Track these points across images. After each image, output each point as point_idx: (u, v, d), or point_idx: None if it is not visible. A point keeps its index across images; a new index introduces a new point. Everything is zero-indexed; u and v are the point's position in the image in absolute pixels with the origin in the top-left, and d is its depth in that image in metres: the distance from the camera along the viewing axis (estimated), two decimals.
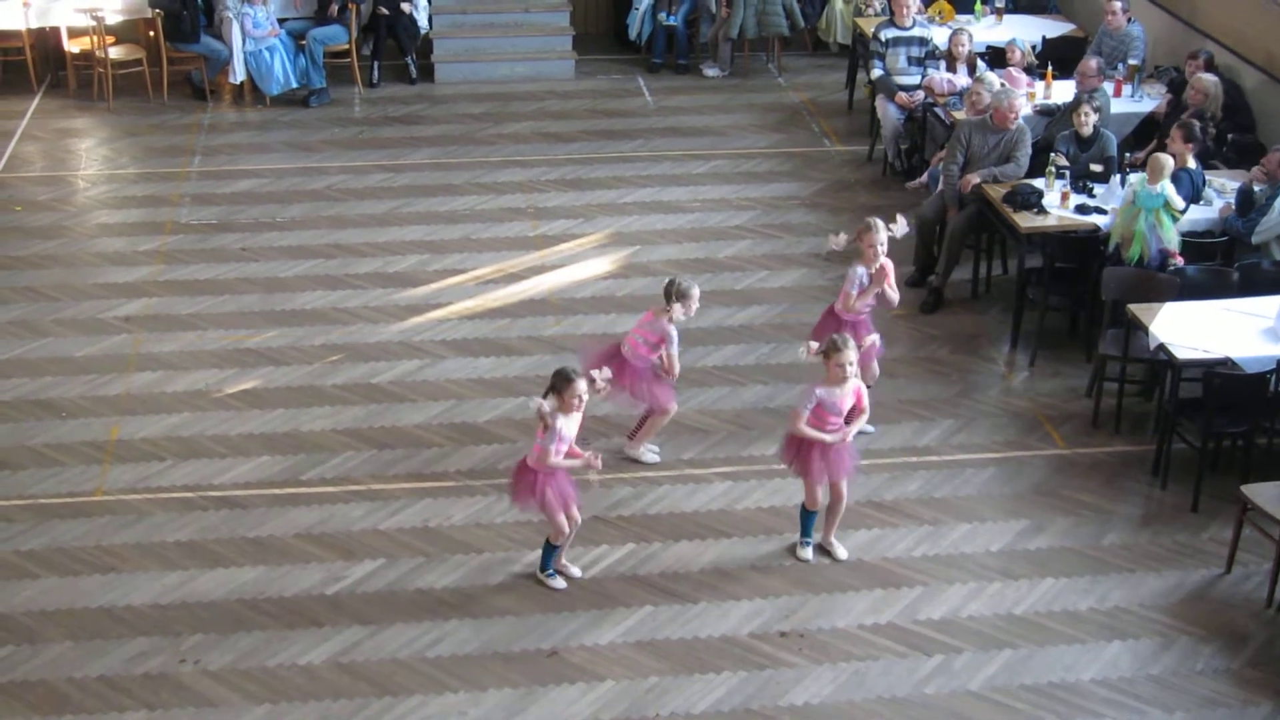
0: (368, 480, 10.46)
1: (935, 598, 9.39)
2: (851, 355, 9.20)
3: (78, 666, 8.72)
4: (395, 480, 10.44)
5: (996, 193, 12.37)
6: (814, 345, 9.38)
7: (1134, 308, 10.72)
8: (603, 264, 13.48)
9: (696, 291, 10.19)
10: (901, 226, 10.61)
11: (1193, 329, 10.41)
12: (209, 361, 11.87)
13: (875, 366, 10.89)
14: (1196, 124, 12.21)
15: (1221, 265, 11.46)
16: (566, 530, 9.28)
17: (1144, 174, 11.35)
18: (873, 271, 10.53)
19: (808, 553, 9.75)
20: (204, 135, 16.41)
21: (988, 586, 9.49)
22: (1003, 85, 13.28)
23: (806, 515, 9.71)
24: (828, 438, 9.33)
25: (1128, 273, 11.27)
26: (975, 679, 8.71)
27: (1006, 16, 16.70)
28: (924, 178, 13.99)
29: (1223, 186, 12.17)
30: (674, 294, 10.10)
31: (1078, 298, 12.17)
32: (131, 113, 16.99)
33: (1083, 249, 11.93)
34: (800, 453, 9.46)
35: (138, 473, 10.51)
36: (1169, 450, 10.49)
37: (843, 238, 10.70)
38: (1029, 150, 12.64)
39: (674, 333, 10.22)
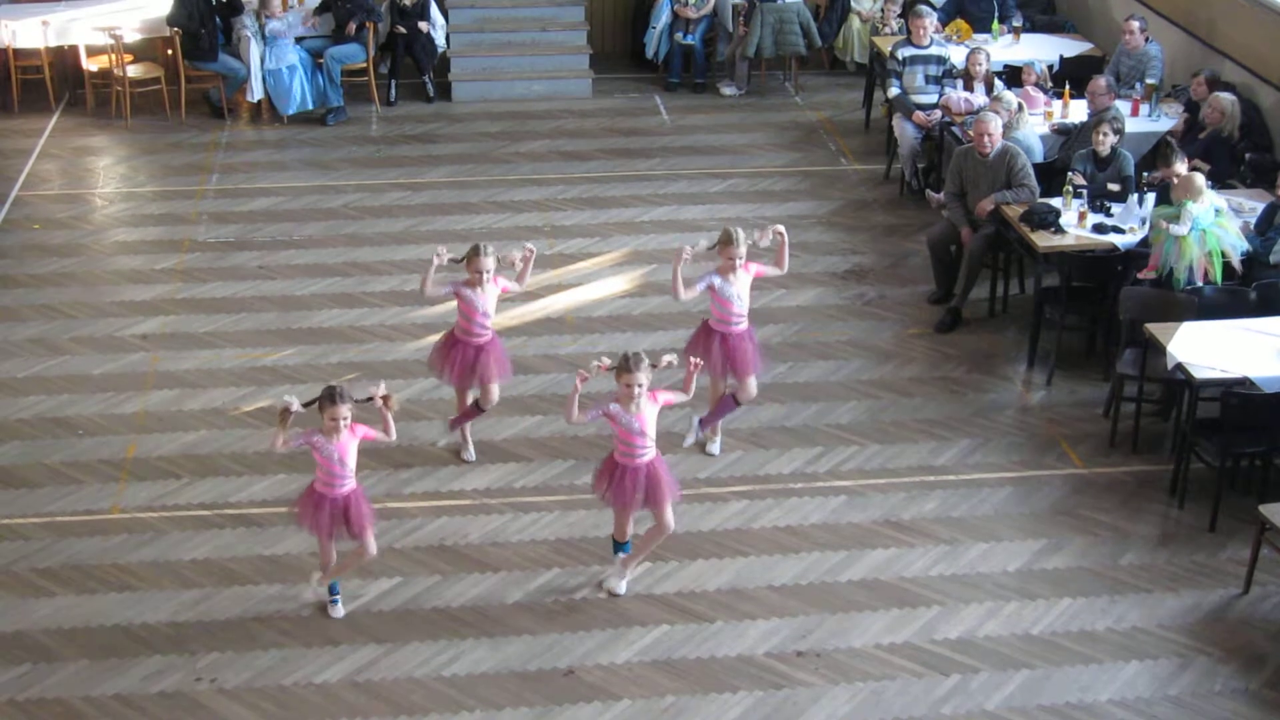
0: (384, 498, 10.45)
1: (952, 617, 9.37)
2: (641, 377, 9.01)
3: (94, 684, 8.72)
4: (411, 499, 10.45)
5: (1014, 212, 12.36)
6: (606, 361, 9.21)
7: (1151, 327, 10.69)
8: (619, 282, 13.49)
9: (482, 250, 10.42)
10: (768, 237, 10.59)
11: (1210, 348, 10.38)
12: (226, 379, 11.89)
13: (750, 384, 10.72)
14: (1166, 145, 12.29)
15: (1239, 284, 11.42)
16: (327, 558, 9.23)
17: (1186, 201, 11.20)
18: (729, 279, 10.48)
19: (621, 585, 9.60)
20: (221, 153, 16.46)
21: (1005, 606, 9.47)
22: (980, 110, 13.30)
23: (617, 547, 9.62)
24: (636, 459, 9.23)
25: (1146, 292, 11.24)
26: (992, 699, 8.69)
27: (1024, 36, 16.70)
28: (942, 195, 13.99)
29: (1240, 206, 12.15)
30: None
31: (1095, 317, 12.16)
32: (149, 131, 17.05)
33: (1100, 268, 11.91)
34: (612, 481, 9.32)
35: (154, 491, 10.53)
36: (1187, 470, 10.46)
37: (702, 245, 10.63)
38: (1029, 170, 12.59)
39: (469, 293, 10.44)
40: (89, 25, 17.13)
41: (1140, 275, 11.48)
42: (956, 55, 15.48)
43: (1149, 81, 14.61)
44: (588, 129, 17.29)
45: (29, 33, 17.12)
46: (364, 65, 17.59)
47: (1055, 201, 12.35)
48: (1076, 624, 9.32)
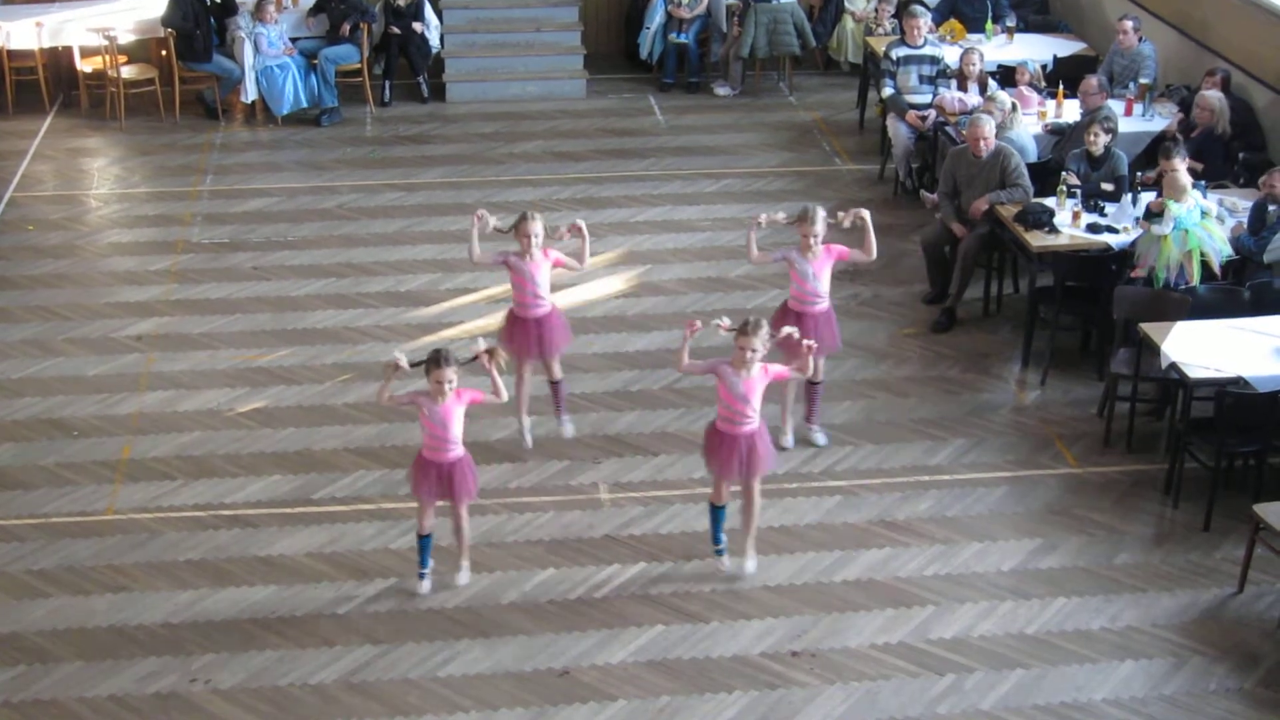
0: (379, 499, 10.46)
1: (947, 617, 9.37)
2: (757, 343, 9.10)
3: (89, 686, 8.72)
4: (406, 499, 10.39)
5: (1008, 212, 12.36)
6: (727, 321, 9.29)
7: (1146, 327, 10.71)
8: (614, 283, 13.49)
9: (529, 215, 10.54)
10: (849, 219, 10.60)
11: (1204, 348, 10.39)
12: (220, 381, 11.89)
13: (812, 362, 10.13)
14: (1173, 139, 12.29)
15: (1233, 284, 11.44)
16: (423, 523, 9.32)
17: (1169, 201, 11.24)
18: (808, 257, 10.56)
19: (725, 561, 9.67)
20: (216, 154, 16.45)
21: (999, 606, 9.47)
22: (973, 112, 13.30)
23: (715, 511, 9.62)
24: (738, 427, 9.29)
25: (1139, 291, 11.26)
26: (987, 699, 8.69)
27: (1017, 36, 16.71)
28: (936, 195, 14.00)
29: (1234, 205, 12.16)
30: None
31: (1089, 316, 12.16)
32: (143, 132, 17.04)
33: (1094, 268, 11.92)
34: (716, 448, 9.39)
35: (149, 492, 10.53)
36: (1181, 469, 10.47)
37: (780, 216, 10.74)
38: (1023, 170, 12.58)
39: (518, 263, 10.58)
40: (83, 26, 17.12)
41: (1132, 275, 11.49)
42: (950, 55, 15.49)
43: (1142, 81, 14.63)
44: (582, 129, 17.29)
45: (23, 34, 17.11)
46: (358, 66, 17.59)
47: (1049, 201, 12.36)
48: (1071, 623, 9.32)
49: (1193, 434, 10.40)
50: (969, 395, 11.86)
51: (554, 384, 11.00)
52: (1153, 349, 10.53)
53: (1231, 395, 10.02)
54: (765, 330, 9.16)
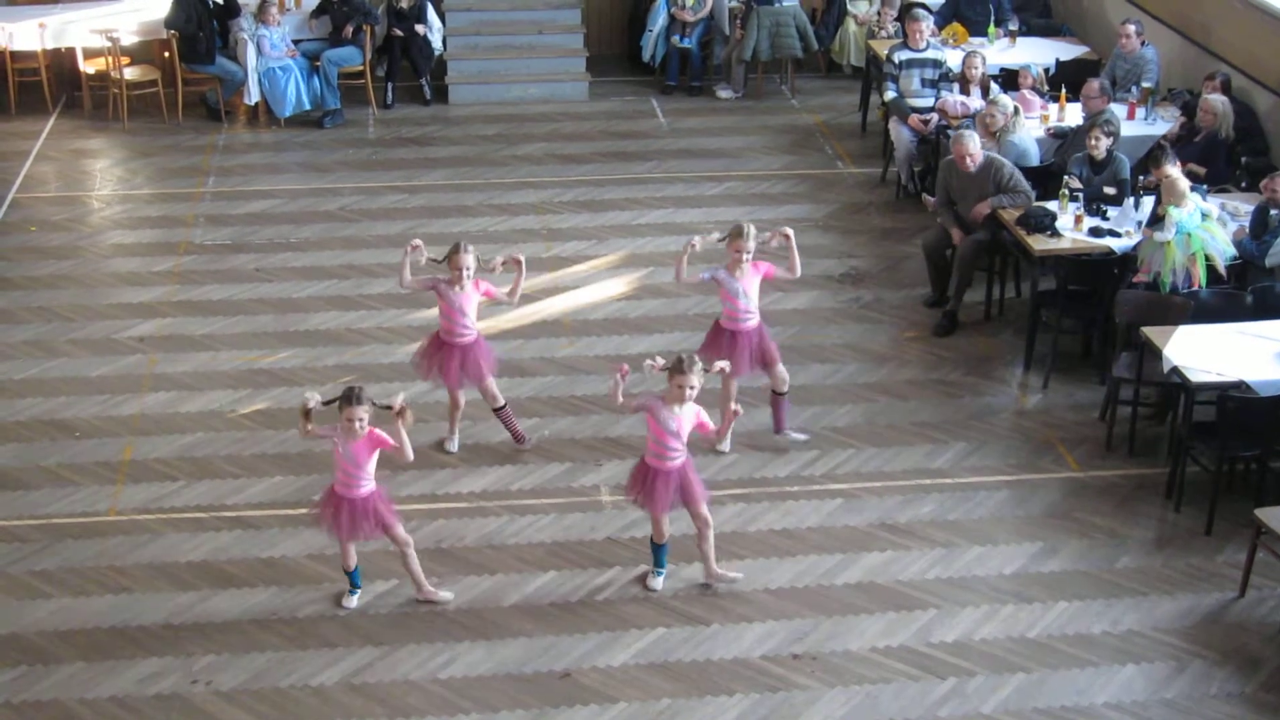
0: None
1: (948, 620, 9.37)
2: (694, 379, 9.05)
3: (90, 687, 8.72)
4: (408, 501, 10.42)
5: (1010, 215, 12.35)
6: (660, 361, 9.26)
7: (1147, 331, 10.70)
8: (616, 285, 13.50)
9: (462, 247, 10.49)
10: (776, 239, 10.65)
11: (1206, 352, 10.39)
12: (223, 382, 11.89)
13: (780, 371, 10.77)
14: (1159, 148, 12.28)
15: (1235, 288, 11.43)
16: (347, 559, 9.32)
17: (1170, 207, 11.23)
18: (736, 274, 10.56)
19: (658, 582, 9.65)
20: (218, 156, 16.46)
21: (1001, 609, 9.47)
22: (975, 116, 13.29)
23: (657, 549, 9.62)
24: (668, 462, 9.24)
25: (1141, 295, 11.25)
26: (988, 702, 8.69)
27: (1020, 39, 16.73)
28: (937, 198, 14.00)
29: (1236, 210, 12.16)
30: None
31: (1091, 320, 12.16)
32: (146, 133, 17.05)
33: (1096, 271, 11.92)
34: (646, 485, 9.32)
35: (151, 493, 10.53)
36: (1183, 473, 10.46)
37: (713, 236, 10.80)
38: (1018, 176, 12.53)
39: (448, 291, 10.54)
40: (86, 28, 17.14)
41: (1135, 279, 11.49)
42: (953, 59, 15.49)
43: (1145, 85, 14.63)
44: (584, 132, 17.29)
45: (26, 35, 17.13)
46: (361, 68, 17.60)
47: (1051, 205, 12.36)
48: (1072, 627, 9.32)
49: (1194, 438, 10.39)
50: (971, 399, 11.85)
51: (497, 410, 10.97)
52: (1155, 353, 10.53)
53: (1233, 399, 10.01)
54: (699, 366, 9.13)
